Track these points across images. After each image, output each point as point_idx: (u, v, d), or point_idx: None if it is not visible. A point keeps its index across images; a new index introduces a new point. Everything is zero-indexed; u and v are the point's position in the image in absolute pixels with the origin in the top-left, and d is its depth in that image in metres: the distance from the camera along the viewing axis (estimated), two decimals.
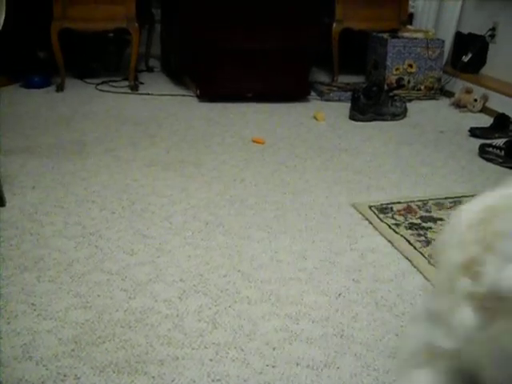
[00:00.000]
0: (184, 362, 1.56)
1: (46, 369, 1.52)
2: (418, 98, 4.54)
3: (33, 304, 1.80)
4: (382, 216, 2.45)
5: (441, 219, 2.43)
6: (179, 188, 2.71)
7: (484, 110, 4.21)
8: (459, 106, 4.31)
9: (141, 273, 1.99)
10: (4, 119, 3.56)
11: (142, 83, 4.74)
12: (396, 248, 2.21)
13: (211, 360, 1.58)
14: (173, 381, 1.50)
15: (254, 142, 3.38)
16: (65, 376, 1.50)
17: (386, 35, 4.61)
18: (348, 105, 4.01)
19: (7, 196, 2.52)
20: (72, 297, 1.84)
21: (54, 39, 4.34)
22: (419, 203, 2.59)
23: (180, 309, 1.80)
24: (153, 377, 1.51)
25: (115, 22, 4.41)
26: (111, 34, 5.05)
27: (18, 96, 4.30)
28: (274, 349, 1.63)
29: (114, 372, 1.52)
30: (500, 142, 3.23)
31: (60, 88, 4.48)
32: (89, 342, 1.63)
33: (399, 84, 4.47)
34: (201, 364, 1.56)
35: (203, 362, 1.57)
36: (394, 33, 4.69)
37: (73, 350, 1.59)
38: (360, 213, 2.49)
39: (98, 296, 1.85)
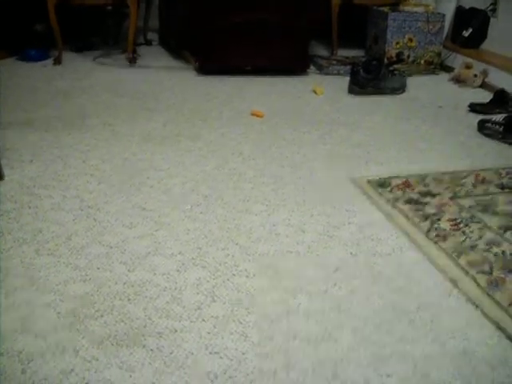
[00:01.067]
0: (182, 335, 1.57)
1: (45, 341, 1.53)
2: (418, 73, 4.52)
3: (31, 277, 1.80)
4: (380, 190, 2.45)
5: (439, 194, 2.43)
6: (177, 162, 2.70)
7: (484, 85, 4.19)
8: (459, 81, 4.30)
9: (139, 246, 1.99)
10: (1, 92, 3.54)
11: (139, 56, 4.71)
12: (394, 222, 2.21)
13: (209, 333, 1.58)
14: (171, 353, 1.51)
15: (253, 115, 3.37)
16: (64, 349, 1.51)
17: (386, 9, 4.58)
18: (347, 79, 4.00)
19: (5, 170, 2.52)
20: (71, 270, 1.85)
21: (51, 12, 4.32)
22: (417, 178, 2.59)
23: (178, 282, 1.80)
24: (151, 349, 1.52)
25: None
26: (109, 7, 5.02)
27: (16, 69, 4.28)
28: (271, 322, 1.64)
29: (112, 345, 1.53)
30: (499, 117, 3.22)
31: (58, 61, 4.45)
32: (87, 314, 1.64)
33: (399, 58, 4.45)
34: (199, 337, 1.57)
35: (201, 334, 1.58)
36: (394, 6, 4.66)
37: (71, 323, 1.60)
38: (358, 187, 2.50)
39: (97, 269, 1.86)
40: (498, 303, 1.74)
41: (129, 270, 1.85)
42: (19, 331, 1.56)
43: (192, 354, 1.51)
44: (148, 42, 5.30)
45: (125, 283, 1.79)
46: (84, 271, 1.84)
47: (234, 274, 1.85)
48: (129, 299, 1.71)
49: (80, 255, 1.93)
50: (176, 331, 1.59)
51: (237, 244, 2.02)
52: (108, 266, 1.87)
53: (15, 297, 1.70)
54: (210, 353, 1.52)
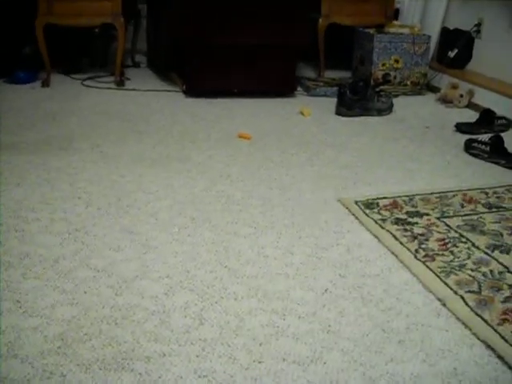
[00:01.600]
0: (171, 359, 1.56)
1: (32, 366, 1.51)
2: (404, 94, 4.55)
3: (18, 301, 1.79)
4: (368, 211, 2.45)
5: (427, 214, 2.44)
6: (165, 184, 2.70)
7: (470, 105, 4.23)
8: (445, 101, 4.33)
9: (127, 269, 1.98)
10: None
11: (128, 79, 4.72)
12: (382, 243, 2.21)
13: (198, 356, 1.57)
14: (160, 377, 1.50)
15: (240, 137, 3.38)
16: (51, 374, 1.49)
17: (372, 30, 4.62)
18: (334, 100, 4.02)
19: None
20: (58, 293, 1.83)
21: (39, 34, 4.32)
22: (405, 198, 2.59)
23: (166, 305, 1.79)
24: (139, 373, 1.50)
25: (101, 17, 4.39)
26: (97, 30, 5.03)
27: (3, 92, 4.27)
28: (260, 344, 1.63)
29: (100, 369, 1.52)
30: (486, 137, 3.24)
31: (46, 84, 4.45)
32: (75, 338, 1.63)
33: (385, 79, 4.48)
34: (187, 360, 1.56)
35: (190, 358, 1.57)
36: (380, 28, 4.69)
37: (59, 348, 1.59)
38: (346, 208, 2.50)
39: (85, 293, 1.84)
40: (486, 322, 1.74)
41: (116, 294, 1.84)
42: (5, 356, 1.55)
43: (181, 377, 1.50)
44: (136, 65, 5.31)
45: (112, 307, 1.78)
46: (71, 295, 1.83)
47: (222, 297, 1.84)
48: (116, 323, 1.70)
49: (67, 279, 1.92)
50: (164, 355, 1.57)
51: (225, 267, 2.02)
52: (95, 290, 1.86)
53: (1, 321, 1.69)
54: (199, 376, 1.50)
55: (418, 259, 2.09)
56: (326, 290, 1.90)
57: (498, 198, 2.64)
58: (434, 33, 4.79)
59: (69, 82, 4.63)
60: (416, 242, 2.21)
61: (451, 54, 4.56)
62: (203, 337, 1.65)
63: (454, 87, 4.31)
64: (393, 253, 2.14)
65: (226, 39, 4.10)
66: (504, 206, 2.56)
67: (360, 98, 3.92)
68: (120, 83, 4.52)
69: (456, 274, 1.99)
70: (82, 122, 3.61)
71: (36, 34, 4.32)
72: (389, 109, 4.03)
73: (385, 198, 2.59)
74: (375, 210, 2.47)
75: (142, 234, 2.23)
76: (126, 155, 3.04)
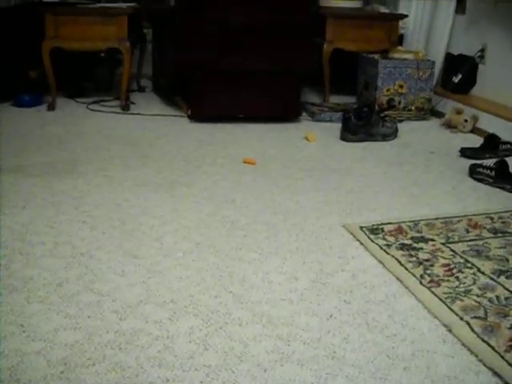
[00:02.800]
0: None
1: None
2: (409, 119, 4.56)
3: (21, 325, 1.78)
4: (372, 237, 2.45)
5: (432, 240, 2.43)
6: (170, 208, 2.70)
7: (474, 130, 4.23)
8: (450, 126, 4.33)
9: (131, 294, 1.98)
10: None
11: (133, 103, 4.74)
12: (387, 269, 2.20)
13: (202, 382, 1.56)
14: None
15: (245, 162, 3.38)
16: None
17: (376, 56, 4.64)
18: (339, 125, 4.02)
19: None
20: (61, 318, 1.83)
21: (45, 58, 4.35)
22: (410, 224, 2.59)
23: (171, 330, 1.78)
24: None
25: (107, 42, 4.42)
26: (103, 54, 5.07)
27: (9, 115, 4.29)
28: (265, 370, 1.62)
29: None
30: (490, 162, 3.24)
31: (51, 107, 4.48)
32: (78, 363, 1.62)
33: (390, 105, 4.49)
34: None
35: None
36: (384, 53, 4.72)
37: (62, 372, 1.58)
38: (351, 233, 2.49)
39: (88, 317, 1.84)
40: (493, 349, 1.72)
41: (120, 319, 1.83)
42: (8, 381, 1.54)
43: None
44: (141, 89, 5.34)
45: (116, 332, 1.77)
46: (75, 319, 1.82)
47: (226, 323, 1.83)
48: (120, 348, 1.69)
49: (71, 303, 1.91)
50: (168, 381, 1.56)
51: (229, 292, 2.01)
52: (99, 315, 1.85)
53: (4, 345, 1.68)
54: None
55: (424, 285, 2.08)
56: (330, 316, 1.89)
57: (503, 223, 2.63)
58: (439, 58, 4.81)
59: (74, 105, 4.66)
60: (421, 267, 2.20)
61: (455, 80, 4.58)
62: (207, 363, 1.64)
63: (459, 112, 4.32)
64: (398, 278, 2.13)
65: (231, 64, 4.12)
66: (509, 231, 2.55)
67: (365, 124, 3.92)
68: (125, 107, 4.54)
69: (461, 300, 1.98)
70: (87, 145, 3.62)
71: (42, 58, 4.35)
72: (393, 134, 4.03)
73: (390, 223, 2.59)
74: (380, 236, 2.46)
75: (147, 258, 2.23)
76: (131, 179, 3.05)
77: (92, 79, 5.20)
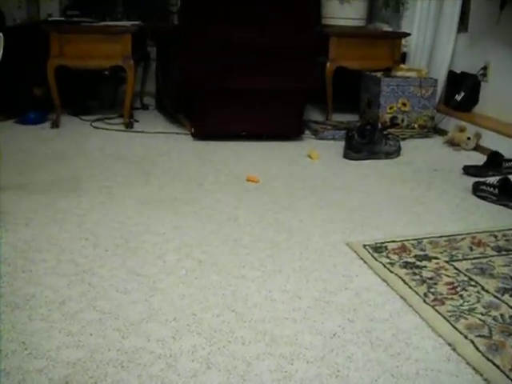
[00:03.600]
0: None
1: None
2: (412, 137, 4.56)
3: (23, 343, 1.77)
4: (376, 255, 2.44)
5: (436, 258, 2.42)
6: (173, 226, 2.70)
7: (477, 148, 4.24)
8: (453, 144, 4.34)
9: (134, 312, 1.97)
10: None
11: (136, 121, 4.76)
12: (391, 287, 2.19)
13: None
14: None
15: (248, 180, 3.38)
16: None
17: (379, 74, 4.66)
18: (342, 143, 4.03)
19: (0, 232, 2.51)
20: (64, 335, 1.82)
21: (50, 76, 4.38)
22: (414, 242, 2.58)
23: (173, 349, 1.77)
24: None
25: (111, 60, 4.44)
26: (107, 72, 5.09)
27: (14, 132, 4.31)
28: None
29: None
30: (493, 179, 3.24)
31: (55, 125, 4.49)
32: (80, 381, 1.61)
33: (393, 122, 4.50)
34: None
35: None
36: (387, 72, 4.73)
37: None
38: (354, 252, 2.49)
39: (91, 335, 1.83)
40: (498, 368, 1.71)
41: (122, 337, 1.82)
42: None
43: None
44: (145, 107, 5.36)
45: (118, 350, 1.76)
46: (77, 337, 1.82)
47: (229, 341, 1.82)
48: (122, 366, 1.68)
49: (73, 321, 1.90)
50: None
51: (232, 310, 2.00)
52: (101, 333, 1.84)
53: (6, 363, 1.67)
54: None
55: (427, 303, 2.07)
56: (334, 335, 1.88)
57: (507, 240, 2.62)
58: (441, 76, 4.83)
59: (78, 123, 4.68)
60: (425, 285, 2.19)
61: (458, 97, 4.59)
62: (210, 381, 1.63)
63: (461, 130, 4.33)
64: (402, 297, 2.12)
65: (235, 83, 4.13)
66: None
67: (368, 142, 3.93)
68: (128, 125, 4.56)
69: (466, 318, 1.97)
70: (90, 163, 3.62)
71: (47, 76, 4.37)
72: (396, 152, 4.03)
73: (393, 241, 2.58)
74: (384, 254, 2.45)
75: (149, 276, 2.22)
76: (134, 197, 3.05)
77: (96, 97, 5.22)
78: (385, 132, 4.14)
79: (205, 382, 1.62)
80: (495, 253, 2.50)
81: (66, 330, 1.85)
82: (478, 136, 4.24)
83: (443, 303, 2.06)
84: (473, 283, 2.22)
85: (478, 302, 2.08)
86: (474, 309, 2.03)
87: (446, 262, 2.40)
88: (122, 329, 1.87)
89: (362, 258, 2.43)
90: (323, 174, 3.60)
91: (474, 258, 2.44)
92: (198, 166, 3.65)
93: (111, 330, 1.86)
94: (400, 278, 2.25)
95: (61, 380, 1.61)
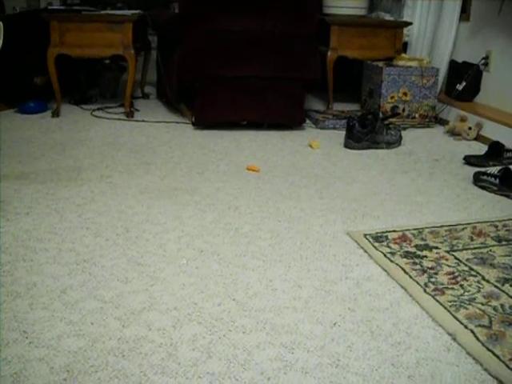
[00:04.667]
0: None
1: None
2: (413, 126, 4.56)
3: (25, 331, 1.78)
4: (377, 244, 2.44)
5: (436, 247, 2.42)
6: (173, 216, 2.70)
7: (478, 137, 4.23)
8: (454, 133, 4.33)
9: (135, 301, 1.97)
10: None
11: (137, 110, 4.76)
12: (391, 277, 2.19)
13: None
14: None
15: (248, 169, 3.38)
16: None
17: (380, 63, 4.64)
18: (343, 133, 4.03)
19: (1, 222, 2.51)
20: (65, 324, 1.82)
21: (50, 65, 4.37)
22: (414, 231, 2.58)
23: (174, 338, 1.78)
24: None
25: (112, 49, 4.43)
26: (107, 61, 5.09)
27: (14, 121, 4.30)
28: (268, 379, 1.61)
29: None
30: (494, 169, 3.23)
31: (56, 114, 4.49)
32: (81, 370, 1.61)
33: (394, 112, 4.49)
34: None
35: None
36: (388, 61, 4.72)
37: (65, 380, 1.57)
38: (355, 241, 2.49)
39: (92, 324, 1.83)
40: (498, 358, 1.71)
41: (123, 326, 1.83)
42: None
43: None
44: (145, 96, 5.35)
45: (119, 339, 1.76)
46: (78, 326, 1.82)
47: (230, 330, 1.83)
48: (123, 355, 1.69)
49: (74, 310, 1.91)
50: None
51: (233, 299, 2.01)
52: (102, 321, 1.85)
53: (7, 352, 1.68)
54: None
55: (428, 293, 2.07)
56: (334, 324, 1.88)
57: (507, 230, 2.62)
58: (443, 66, 4.82)
59: (79, 112, 4.67)
60: (425, 275, 2.19)
61: (459, 87, 4.58)
62: (211, 370, 1.63)
63: (463, 120, 4.32)
64: (402, 286, 2.12)
65: (236, 71, 4.13)
66: None
67: (369, 131, 3.92)
68: (129, 114, 4.55)
69: (466, 308, 1.97)
70: (91, 152, 3.62)
71: (47, 65, 4.36)
72: (397, 142, 4.03)
73: (394, 231, 2.58)
74: (384, 244, 2.45)
75: (150, 265, 2.22)
76: (135, 186, 3.05)
77: (97, 86, 5.22)
78: (386, 122, 4.13)
79: (205, 371, 1.63)
80: (496, 243, 2.50)
81: (66, 319, 1.85)
82: (479, 126, 4.24)
83: (443, 293, 2.07)
84: (473, 273, 2.22)
85: (479, 291, 2.08)
86: (475, 299, 2.03)
87: (447, 251, 2.40)
88: (123, 318, 1.87)
89: (362, 248, 2.43)
90: (324, 163, 3.59)
91: (475, 248, 2.44)
92: (198, 156, 3.64)
93: (112, 319, 1.86)
94: (400, 267, 2.25)
95: (62, 369, 1.62)
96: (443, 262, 2.30)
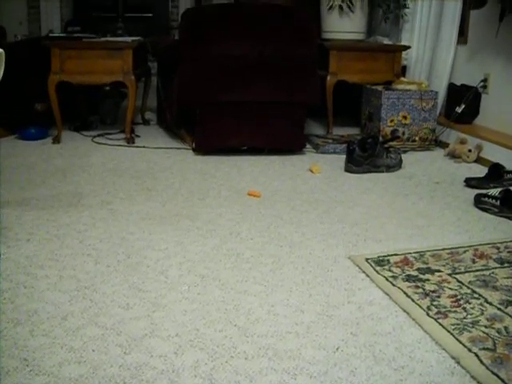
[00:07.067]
0: None
1: None
2: (413, 149, 4.57)
3: (25, 359, 1.77)
4: (378, 268, 2.43)
5: (438, 270, 2.42)
6: (175, 242, 2.70)
7: (478, 160, 4.24)
8: (454, 156, 4.34)
9: (136, 327, 1.96)
10: (0, 171, 3.56)
11: (138, 136, 4.77)
12: (393, 300, 2.18)
13: None
14: None
15: (249, 195, 3.38)
16: None
17: (380, 87, 4.67)
18: (343, 157, 4.03)
19: (1, 248, 2.51)
20: (66, 351, 1.81)
21: (51, 92, 4.39)
22: (416, 255, 2.57)
23: (176, 364, 1.77)
24: None
25: (112, 76, 4.46)
26: (108, 87, 5.11)
27: (15, 148, 4.31)
28: None
29: None
30: (495, 191, 3.23)
31: (56, 140, 4.50)
32: None
33: (394, 135, 4.50)
34: None
35: None
36: (387, 85, 4.74)
37: None
38: (357, 265, 2.48)
39: (93, 351, 1.82)
40: (503, 381, 1.70)
41: (125, 353, 1.82)
42: None
43: None
44: (146, 122, 5.37)
45: (121, 366, 1.75)
46: (79, 353, 1.81)
47: (232, 356, 1.82)
48: (125, 382, 1.67)
49: (75, 336, 1.90)
50: None
51: (235, 325, 2.00)
52: (103, 348, 1.84)
53: (8, 380, 1.67)
54: None
55: (431, 316, 2.06)
56: (337, 349, 1.87)
57: (509, 252, 2.62)
58: (441, 89, 4.84)
59: (79, 138, 4.68)
60: (428, 298, 2.18)
61: (459, 110, 4.60)
62: None
63: (462, 142, 4.33)
64: (404, 310, 2.11)
65: (235, 96, 4.14)
66: None
67: (369, 155, 3.93)
68: (130, 140, 4.57)
69: (469, 331, 1.96)
70: (91, 178, 3.63)
71: (48, 92, 4.38)
72: (398, 165, 4.03)
73: (395, 254, 2.58)
74: (386, 267, 2.45)
75: (151, 291, 2.22)
76: (136, 212, 3.05)
77: (97, 112, 5.24)
78: (386, 145, 4.14)
79: None
80: (498, 265, 2.49)
81: (68, 346, 1.84)
82: (479, 148, 4.24)
83: (446, 316, 2.06)
84: (476, 296, 2.21)
85: (482, 314, 2.07)
86: (478, 321, 2.02)
87: (449, 274, 2.39)
88: (125, 345, 1.86)
89: (364, 272, 2.42)
90: (325, 187, 3.60)
91: (477, 271, 2.43)
92: (199, 181, 3.65)
93: (113, 345, 1.85)
94: (403, 291, 2.24)
95: None
96: (445, 285, 2.30)
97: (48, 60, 4.36)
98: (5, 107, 4.51)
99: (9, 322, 1.96)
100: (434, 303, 2.14)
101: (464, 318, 2.05)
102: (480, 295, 2.21)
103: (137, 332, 1.93)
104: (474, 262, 2.52)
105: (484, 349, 1.86)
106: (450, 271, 2.42)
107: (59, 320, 1.99)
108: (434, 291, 2.24)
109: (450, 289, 2.26)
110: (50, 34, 5.60)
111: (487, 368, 1.76)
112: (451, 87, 4.84)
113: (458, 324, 2.01)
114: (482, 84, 4.54)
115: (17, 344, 1.84)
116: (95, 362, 1.76)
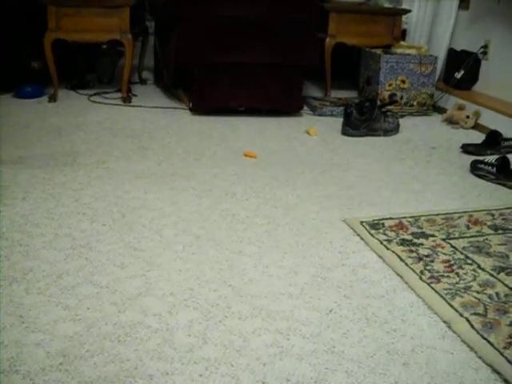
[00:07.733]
0: (173, 377, 1.55)
1: (33, 383, 1.50)
2: (411, 114, 4.55)
3: (21, 316, 1.78)
4: (373, 232, 2.44)
5: (432, 235, 2.43)
6: (170, 201, 2.70)
7: (476, 126, 4.23)
8: (451, 122, 4.33)
9: (131, 286, 1.97)
10: None
11: (135, 95, 4.74)
12: (387, 264, 2.20)
13: (201, 375, 1.56)
14: None
15: (245, 155, 3.38)
16: None
17: (379, 51, 4.63)
18: (340, 120, 4.02)
19: None
20: (61, 309, 1.82)
21: (47, 50, 4.34)
22: (411, 219, 2.58)
23: (170, 323, 1.78)
24: None
25: (109, 34, 4.41)
26: (104, 46, 5.06)
27: (11, 106, 4.29)
28: (264, 364, 1.61)
29: None
30: (492, 158, 3.23)
31: (53, 99, 4.47)
32: (77, 355, 1.61)
33: (392, 100, 4.48)
34: (190, 379, 1.54)
35: (193, 377, 1.55)
36: (387, 48, 4.71)
37: (61, 364, 1.58)
38: (351, 228, 2.49)
39: (88, 309, 1.83)
40: (492, 346, 1.72)
41: (119, 311, 1.83)
42: (7, 371, 1.54)
43: None
44: (143, 81, 5.33)
45: (115, 324, 1.76)
46: (74, 311, 1.82)
47: (226, 316, 1.83)
48: (119, 340, 1.69)
49: (70, 295, 1.91)
50: (167, 373, 1.56)
51: (229, 285, 2.01)
52: (98, 307, 1.85)
53: (4, 336, 1.68)
54: None
55: (424, 281, 2.07)
56: (330, 311, 1.89)
57: (504, 219, 2.63)
58: (441, 54, 4.81)
59: (76, 97, 4.65)
60: (421, 263, 2.19)
61: (458, 75, 4.58)
62: (207, 356, 1.64)
63: (461, 108, 4.32)
64: (398, 274, 2.13)
65: (233, 57, 4.11)
66: (510, 227, 2.54)
67: (366, 119, 3.92)
68: (126, 99, 4.54)
69: (461, 296, 1.98)
70: (87, 137, 3.61)
71: (44, 50, 4.34)
72: (395, 129, 4.03)
73: (390, 218, 2.59)
74: (381, 231, 2.46)
75: (146, 251, 2.22)
76: (131, 172, 3.04)
77: (94, 71, 5.19)
78: (383, 109, 4.12)
79: (201, 357, 1.63)
80: (492, 231, 2.50)
81: (63, 304, 1.85)
82: (477, 114, 4.23)
83: (439, 281, 2.07)
84: (469, 261, 2.22)
85: (474, 280, 2.09)
86: (470, 287, 2.04)
87: (443, 239, 2.40)
88: (119, 303, 1.87)
89: (358, 235, 2.43)
90: (321, 150, 3.59)
91: (471, 237, 2.44)
92: (195, 141, 3.64)
93: (108, 304, 1.87)
94: (397, 255, 2.25)
95: (58, 353, 1.62)
96: (439, 250, 2.31)
97: (45, 18, 4.31)
98: (1, 65, 4.47)
99: (5, 280, 1.97)
100: (428, 268, 2.16)
101: (457, 283, 2.07)
102: (473, 261, 2.23)
103: (132, 291, 1.95)
104: (468, 227, 2.53)
105: (475, 314, 1.88)
106: (444, 236, 2.43)
107: (54, 278, 2.00)
108: (427, 256, 2.25)
109: (443, 254, 2.27)
110: None
111: (478, 332, 1.78)
112: (451, 52, 4.81)
113: (450, 289, 2.02)
114: (482, 50, 4.52)
115: (12, 301, 1.85)
116: (90, 320, 1.78)
